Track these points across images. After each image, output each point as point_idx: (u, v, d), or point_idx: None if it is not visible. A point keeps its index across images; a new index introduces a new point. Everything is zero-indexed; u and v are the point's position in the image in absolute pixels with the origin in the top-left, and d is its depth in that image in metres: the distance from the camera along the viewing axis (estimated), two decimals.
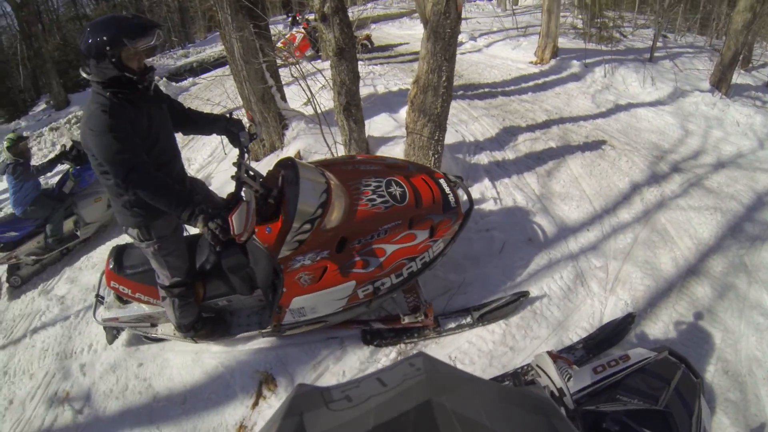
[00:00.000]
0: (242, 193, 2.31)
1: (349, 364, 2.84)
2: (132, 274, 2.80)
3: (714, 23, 13.07)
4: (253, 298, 2.82)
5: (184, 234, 2.77)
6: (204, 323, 2.87)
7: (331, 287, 2.50)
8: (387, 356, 2.86)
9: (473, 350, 2.92)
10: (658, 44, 9.09)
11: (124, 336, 3.31)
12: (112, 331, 3.28)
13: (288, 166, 2.55)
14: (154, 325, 3.06)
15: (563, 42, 8.85)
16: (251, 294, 2.78)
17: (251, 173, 2.43)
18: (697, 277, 3.78)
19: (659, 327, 3.33)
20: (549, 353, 2.55)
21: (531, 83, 6.82)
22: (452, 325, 3.01)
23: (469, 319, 3.02)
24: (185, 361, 3.05)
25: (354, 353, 2.90)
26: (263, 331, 2.83)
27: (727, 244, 4.18)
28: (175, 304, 2.64)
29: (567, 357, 2.69)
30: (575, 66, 7.41)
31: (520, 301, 3.11)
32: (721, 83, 7.72)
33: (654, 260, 3.78)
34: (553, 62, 7.70)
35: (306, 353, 2.93)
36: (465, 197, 3.17)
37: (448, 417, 0.61)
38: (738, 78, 8.88)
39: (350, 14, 9.13)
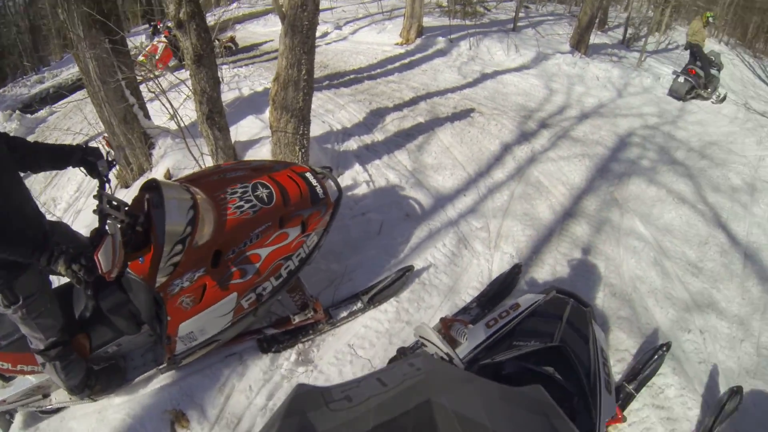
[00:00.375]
0: (107, 227, 2.24)
1: (253, 377, 2.92)
2: (7, 345, 2.61)
3: None
4: (143, 335, 2.77)
5: (54, 286, 2.63)
6: (97, 377, 2.76)
7: (214, 304, 2.56)
8: (288, 359, 2.98)
9: (371, 333, 3.11)
10: (521, 15, 10.20)
11: (18, 418, 3.04)
12: (5, 416, 3.02)
13: (152, 188, 2.53)
14: (46, 396, 2.87)
15: (428, 21, 9.56)
16: (139, 332, 2.73)
17: (114, 203, 2.37)
18: (574, 218, 4.35)
19: (546, 270, 3.80)
20: (443, 319, 2.80)
21: (397, 64, 7.27)
22: (344, 313, 3.20)
23: (359, 305, 3.22)
24: (90, 424, 2.89)
25: (255, 365, 2.98)
26: (160, 367, 2.80)
27: (598, 184, 4.84)
28: (58, 367, 2.51)
29: (463, 318, 2.96)
30: (441, 42, 8.04)
31: (406, 276, 3.35)
32: (580, 44, 8.89)
33: (532, 211, 4.26)
34: (418, 41, 8.27)
35: (209, 378, 2.94)
36: (335, 187, 3.34)
37: (448, 417, 0.65)
38: (595, 38, 10.27)
39: (213, 16, 8.95)
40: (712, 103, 9.07)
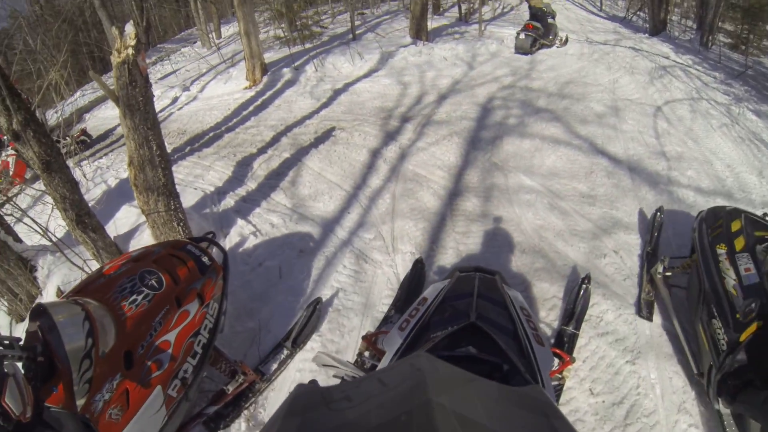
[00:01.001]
0: (5, 368, 2.17)
1: None
2: None
3: None
4: None
5: None
6: None
7: (143, 405, 2.57)
8: (240, 430, 3.05)
9: (306, 375, 3.20)
10: (357, 22, 10.76)
11: None
12: None
13: (40, 313, 2.51)
14: None
15: (270, 56, 9.83)
16: None
17: (6, 342, 2.30)
18: (461, 196, 4.68)
19: (450, 254, 4.05)
20: (365, 337, 2.89)
21: (251, 107, 7.42)
22: (275, 366, 3.29)
23: (286, 352, 3.33)
24: None
25: None
26: None
27: (473, 156, 5.25)
28: None
29: (386, 329, 3.07)
30: (287, 73, 8.33)
31: (317, 309, 3.49)
32: (420, 33, 9.58)
33: (418, 204, 4.55)
34: (265, 79, 8.49)
35: None
36: (219, 250, 3.43)
37: (448, 417, 0.67)
38: (434, 23, 11.09)
39: (55, 114, 8.54)
40: (557, 47, 10.11)
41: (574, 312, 3.38)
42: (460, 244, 4.11)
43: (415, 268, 3.64)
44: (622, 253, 4.08)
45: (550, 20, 10.16)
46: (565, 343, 3.24)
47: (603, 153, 5.63)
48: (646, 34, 12.06)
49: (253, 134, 6.23)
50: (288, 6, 11.79)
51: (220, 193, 5.18)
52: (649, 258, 3.88)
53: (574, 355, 3.19)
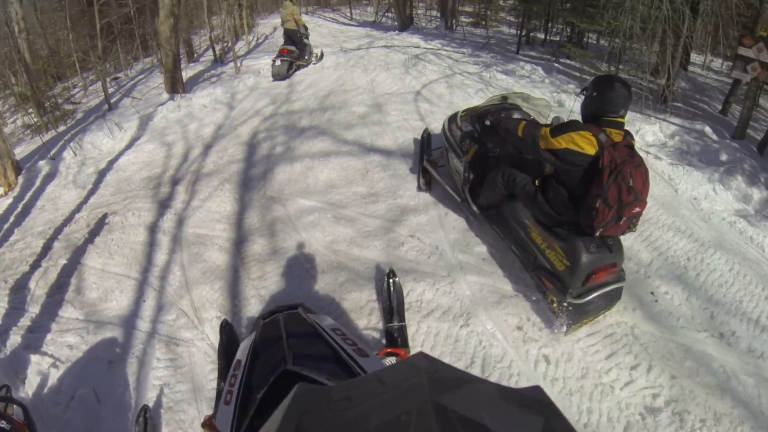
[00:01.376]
0: None
1: None
2: None
3: (137, 44, 15.29)
4: None
5: None
6: None
7: None
8: None
9: None
10: (111, 89, 10.19)
11: None
12: None
13: None
14: None
15: (22, 150, 8.69)
16: None
17: None
18: (247, 242, 4.77)
19: (254, 303, 4.08)
20: (204, 423, 2.73)
21: (12, 218, 6.44)
22: None
23: None
24: None
25: None
26: None
27: (249, 197, 5.45)
28: None
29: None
30: (45, 166, 7.41)
31: (147, 418, 3.18)
32: (176, 86, 9.38)
33: (208, 266, 4.53)
34: (21, 180, 7.42)
35: None
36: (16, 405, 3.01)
37: (448, 417, 0.67)
38: (189, 71, 10.97)
39: None
40: (314, 64, 10.72)
41: (392, 307, 3.54)
42: (260, 289, 4.18)
43: (224, 332, 3.51)
44: (418, 234, 4.45)
45: (305, 40, 10.69)
46: (396, 338, 3.38)
47: (374, 150, 6.10)
48: (396, 31, 13.37)
49: (20, 249, 5.52)
50: (33, 86, 10.61)
51: (1, 333, 4.56)
52: (420, 159, 5.09)
53: (410, 345, 3.37)
